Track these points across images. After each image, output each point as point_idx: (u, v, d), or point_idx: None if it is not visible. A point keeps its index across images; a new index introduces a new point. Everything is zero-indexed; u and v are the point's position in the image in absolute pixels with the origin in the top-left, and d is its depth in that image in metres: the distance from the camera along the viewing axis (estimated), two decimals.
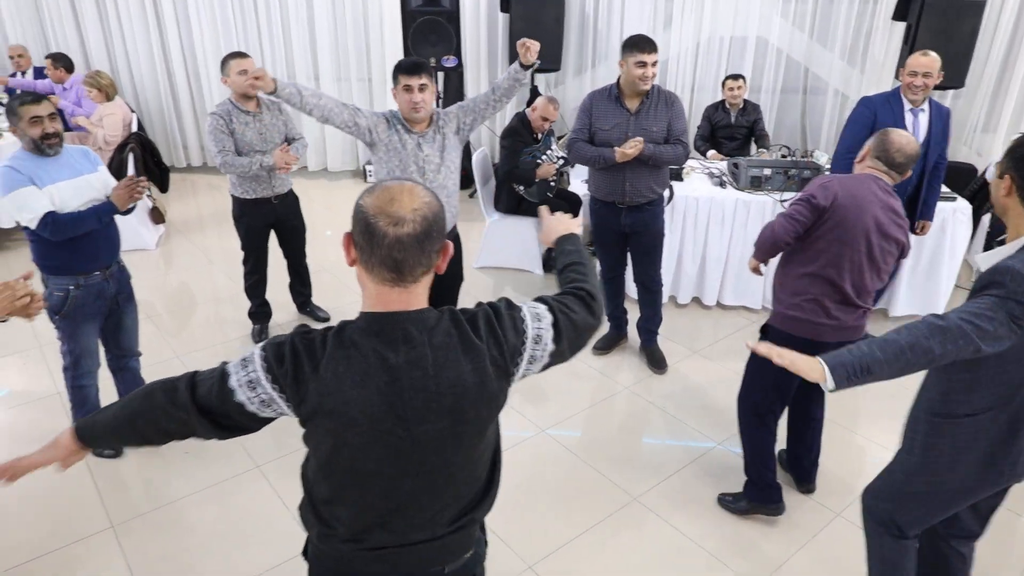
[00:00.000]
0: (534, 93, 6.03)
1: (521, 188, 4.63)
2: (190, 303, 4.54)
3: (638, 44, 3.18)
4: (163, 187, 5.37)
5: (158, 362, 3.76)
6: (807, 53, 5.93)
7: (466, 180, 5.55)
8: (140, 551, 2.58)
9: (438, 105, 4.12)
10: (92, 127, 5.32)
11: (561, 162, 4.62)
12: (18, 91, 6.01)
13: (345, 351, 1.19)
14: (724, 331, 4.28)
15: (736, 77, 5.18)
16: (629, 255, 3.71)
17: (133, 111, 5.60)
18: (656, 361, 3.83)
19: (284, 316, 4.22)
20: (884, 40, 5.68)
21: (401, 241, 1.14)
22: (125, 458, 3.06)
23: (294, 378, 1.19)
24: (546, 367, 1.35)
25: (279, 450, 3.05)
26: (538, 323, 1.31)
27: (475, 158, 4.92)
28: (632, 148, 3.23)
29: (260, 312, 4.00)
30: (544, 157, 4.53)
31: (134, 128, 5.38)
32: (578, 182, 5.27)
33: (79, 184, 2.67)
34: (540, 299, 1.37)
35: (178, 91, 6.78)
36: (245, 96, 3.47)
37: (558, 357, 1.35)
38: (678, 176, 4.38)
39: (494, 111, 2.99)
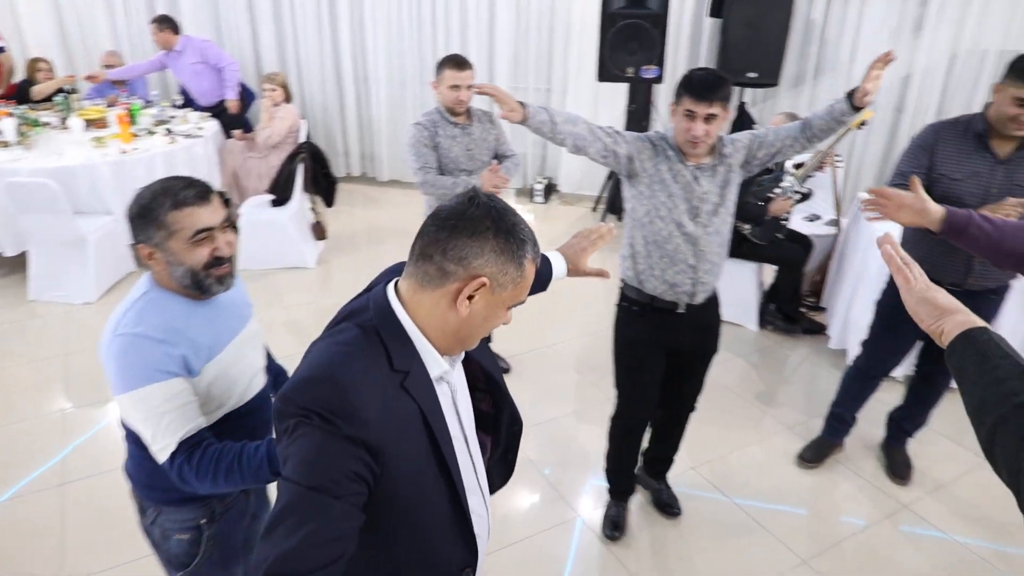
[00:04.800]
0: (740, 111, 5.18)
1: (746, 227, 3.80)
2: None
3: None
4: (329, 201, 4.96)
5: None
6: None
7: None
8: None
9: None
10: (266, 123, 4.94)
11: (798, 196, 3.75)
12: (121, 89, 5.36)
13: None
14: None
15: None
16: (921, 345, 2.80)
17: (303, 118, 5.28)
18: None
19: None
20: None
21: None
22: None
23: None
24: None
25: None
26: None
27: None
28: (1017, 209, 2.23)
29: None
30: (778, 190, 3.68)
31: (302, 137, 5.03)
32: (799, 219, 4.39)
33: (243, 341, 1.52)
34: None
35: (345, 96, 6.46)
36: (453, 110, 2.90)
37: None
38: None
39: (797, 152, 2.20)
